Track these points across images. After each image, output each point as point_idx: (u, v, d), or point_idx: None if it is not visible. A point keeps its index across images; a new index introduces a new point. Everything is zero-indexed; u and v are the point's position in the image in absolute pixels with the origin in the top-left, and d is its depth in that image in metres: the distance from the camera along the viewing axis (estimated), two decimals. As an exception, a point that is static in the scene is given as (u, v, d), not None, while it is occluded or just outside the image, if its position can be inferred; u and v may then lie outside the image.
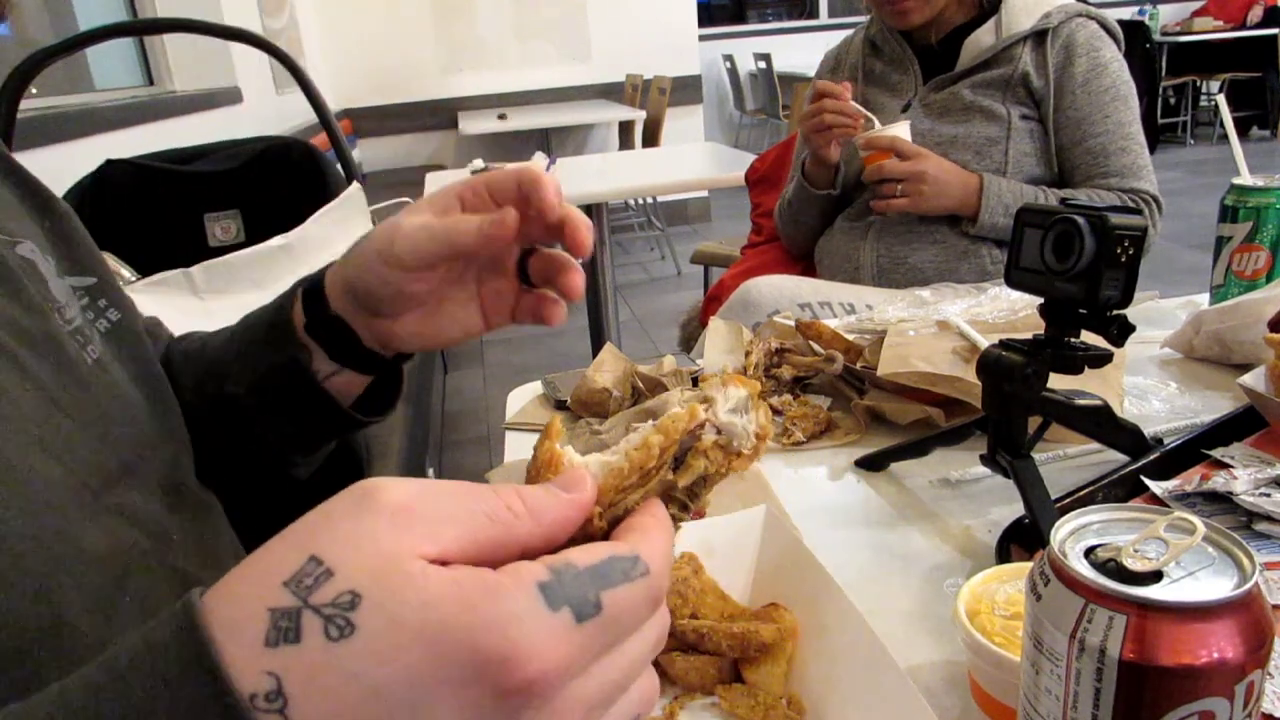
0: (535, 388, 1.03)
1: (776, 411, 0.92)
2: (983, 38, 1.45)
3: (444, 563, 0.27)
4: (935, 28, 1.49)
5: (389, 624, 0.25)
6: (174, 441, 0.56)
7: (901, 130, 1.38)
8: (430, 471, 2.01)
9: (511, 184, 0.50)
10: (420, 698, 0.25)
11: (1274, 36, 6.62)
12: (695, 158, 3.54)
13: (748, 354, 0.98)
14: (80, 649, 0.36)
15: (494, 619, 0.26)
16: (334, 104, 5.14)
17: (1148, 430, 0.71)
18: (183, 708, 0.24)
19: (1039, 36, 1.41)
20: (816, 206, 1.60)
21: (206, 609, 0.26)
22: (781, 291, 1.39)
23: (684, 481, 0.35)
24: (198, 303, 1.19)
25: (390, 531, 0.26)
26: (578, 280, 0.53)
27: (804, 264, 1.69)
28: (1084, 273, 0.60)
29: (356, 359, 0.58)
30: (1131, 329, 0.62)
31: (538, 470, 0.34)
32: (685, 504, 0.36)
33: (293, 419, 0.61)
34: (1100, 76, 1.38)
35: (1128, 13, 7.23)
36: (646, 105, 5.01)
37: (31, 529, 0.36)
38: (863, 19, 1.59)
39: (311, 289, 0.58)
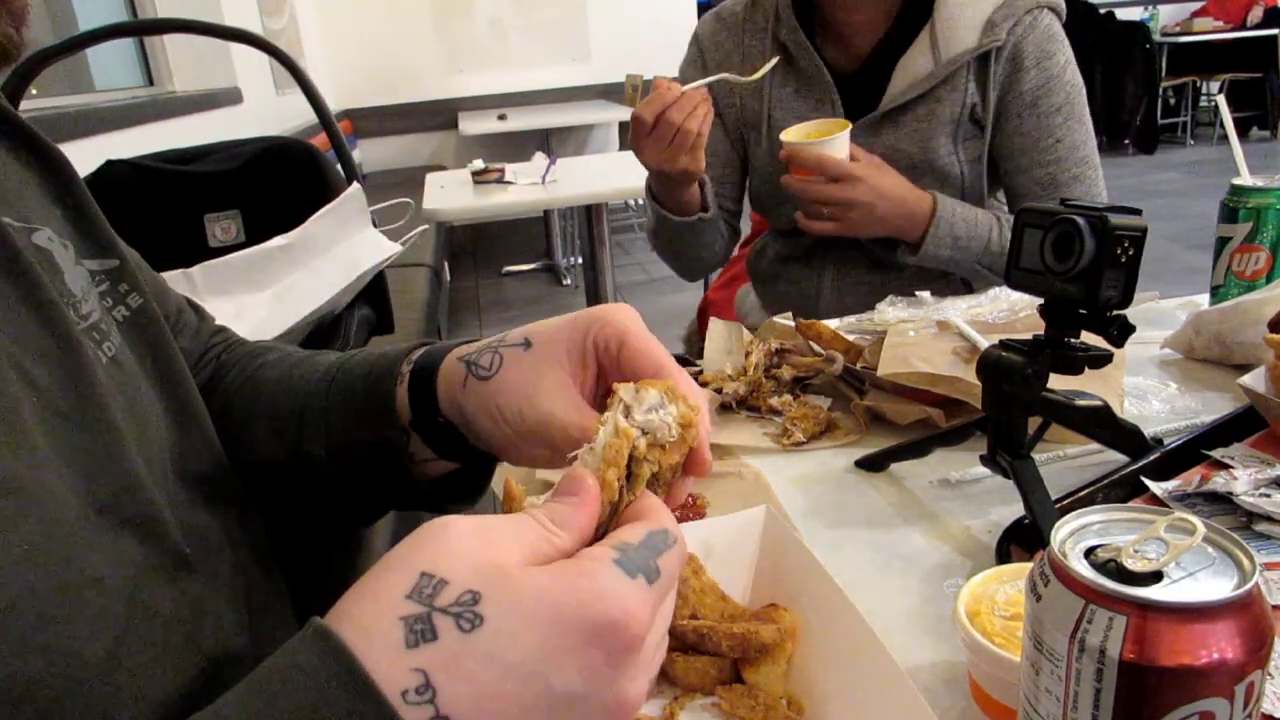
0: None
1: (776, 412, 0.92)
2: (917, 62, 1.18)
3: None
4: (850, 50, 1.23)
5: (511, 610, 0.30)
6: (189, 439, 0.52)
7: (835, 146, 1.13)
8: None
9: (648, 373, 0.45)
10: (549, 667, 0.30)
11: (1274, 37, 6.61)
12: (695, 158, 3.54)
13: (748, 354, 0.98)
14: (88, 676, 0.35)
15: (597, 592, 0.31)
16: (334, 104, 5.15)
17: (1148, 430, 0.71)
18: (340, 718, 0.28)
19: (983, 58, 1.17)
20: (692, 234, 1.29)
21: (339, 630, 0.29)
22: None
23: (639, 490, 0.38)
24: (198, 303, 1.19)
25: (480, 548, 0.31)
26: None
27: None
28: (1084, 273, 0.60)
29: (458, 453, 0.53)
30: (1131, 329, 0.62)
31: None
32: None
33: (373, 489, 0.57)
34: (1050, 94, 1.17)
35: (1133, 13, 7.22)
36: (646, 105, 5.00)
37: (42, 555, 0.35)
38: None
39: (421, 376, 0.52)
